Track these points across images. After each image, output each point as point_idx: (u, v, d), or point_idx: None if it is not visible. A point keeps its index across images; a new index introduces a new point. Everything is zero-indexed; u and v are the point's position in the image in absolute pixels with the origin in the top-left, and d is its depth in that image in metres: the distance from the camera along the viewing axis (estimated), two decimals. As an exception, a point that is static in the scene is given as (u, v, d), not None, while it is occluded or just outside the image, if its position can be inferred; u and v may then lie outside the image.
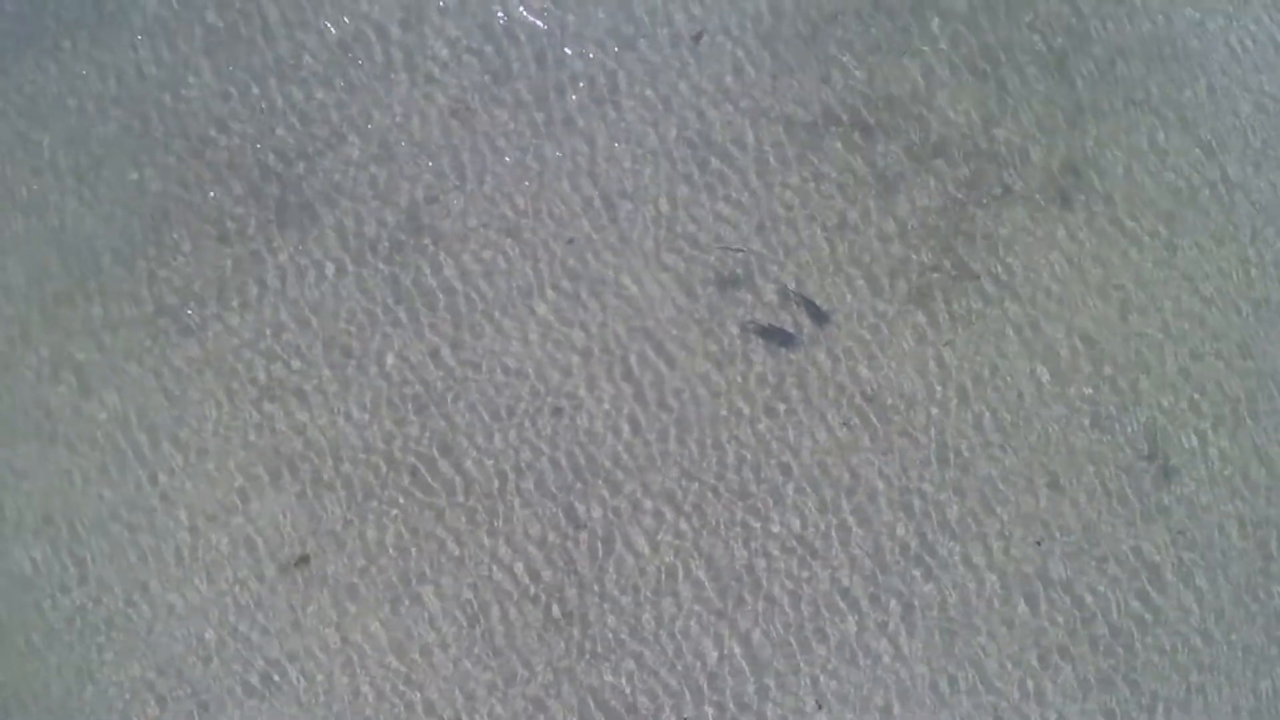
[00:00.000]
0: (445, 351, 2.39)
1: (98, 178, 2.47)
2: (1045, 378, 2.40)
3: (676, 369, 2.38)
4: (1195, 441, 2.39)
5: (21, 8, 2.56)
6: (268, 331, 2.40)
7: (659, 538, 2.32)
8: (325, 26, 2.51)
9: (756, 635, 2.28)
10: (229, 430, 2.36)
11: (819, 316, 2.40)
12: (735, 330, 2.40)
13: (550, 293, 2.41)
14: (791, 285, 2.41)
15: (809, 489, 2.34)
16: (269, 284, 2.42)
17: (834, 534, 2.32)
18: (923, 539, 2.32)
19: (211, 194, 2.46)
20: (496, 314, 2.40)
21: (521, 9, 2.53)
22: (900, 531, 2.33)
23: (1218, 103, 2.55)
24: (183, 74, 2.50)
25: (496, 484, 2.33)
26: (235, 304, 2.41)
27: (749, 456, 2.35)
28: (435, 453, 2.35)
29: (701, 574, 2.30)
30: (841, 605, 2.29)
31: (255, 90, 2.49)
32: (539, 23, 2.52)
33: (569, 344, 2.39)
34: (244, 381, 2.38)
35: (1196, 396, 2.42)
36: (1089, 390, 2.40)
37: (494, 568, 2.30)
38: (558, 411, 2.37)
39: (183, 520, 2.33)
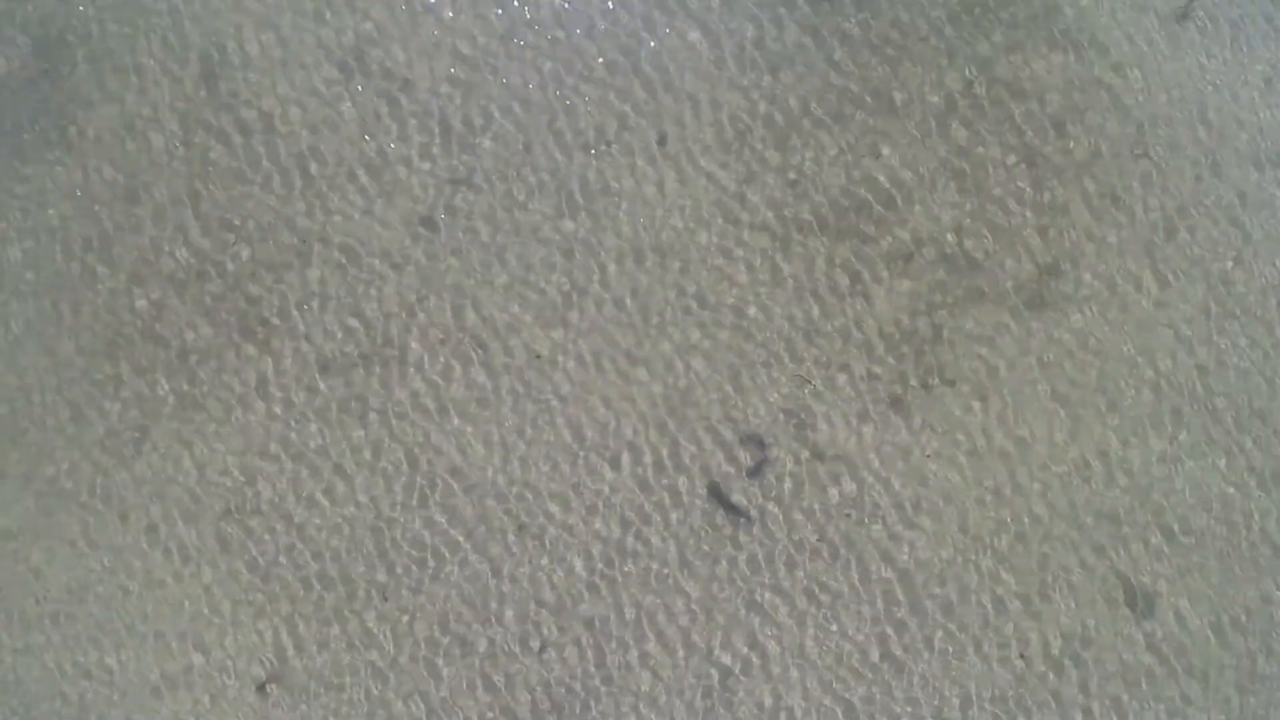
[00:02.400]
0: (408, 470, 2.36)
1: (49, 295, 2.43)
2: (1025, 483, 2.37)
3: (643, 491, 2.35)
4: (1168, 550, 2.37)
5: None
6: (227, 451, 2.36)
7: (627, 656, 2.30)
8: (285, 133, 2.47)
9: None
10: (189, 551, 2.33)
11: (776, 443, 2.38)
12: (695, 452, 2.37)
13: (514, 408, 2.38)
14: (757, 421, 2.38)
15: (780, 604, 2.31)
16: (228, 403, 2.38)
17: (819, 641, 2.30)
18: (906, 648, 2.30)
19: (169, 310, 2.42)
20: (462, 431, 2.37)
21: (495, 112, 2.48)
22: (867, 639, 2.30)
23: (1198, 202, 2.51)
24: (137, 187, 2.46)
25: (464, 606, 2.31)
26: (194, 423, 2.37)
27: (721, 571, 2.33)
28: (401, 571, 2.32)
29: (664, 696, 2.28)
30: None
31: (213, 202, 2.45)
32: (508, 125, 2.48)
33: (534, 461, 2.36)
34: (204, 502, 2.35)
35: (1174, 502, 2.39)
36: (1071, 497, 2.37)
37: (459, 691, 2.28)
38: (522, 529, 2.34)
39: (148, 641, 2.31)
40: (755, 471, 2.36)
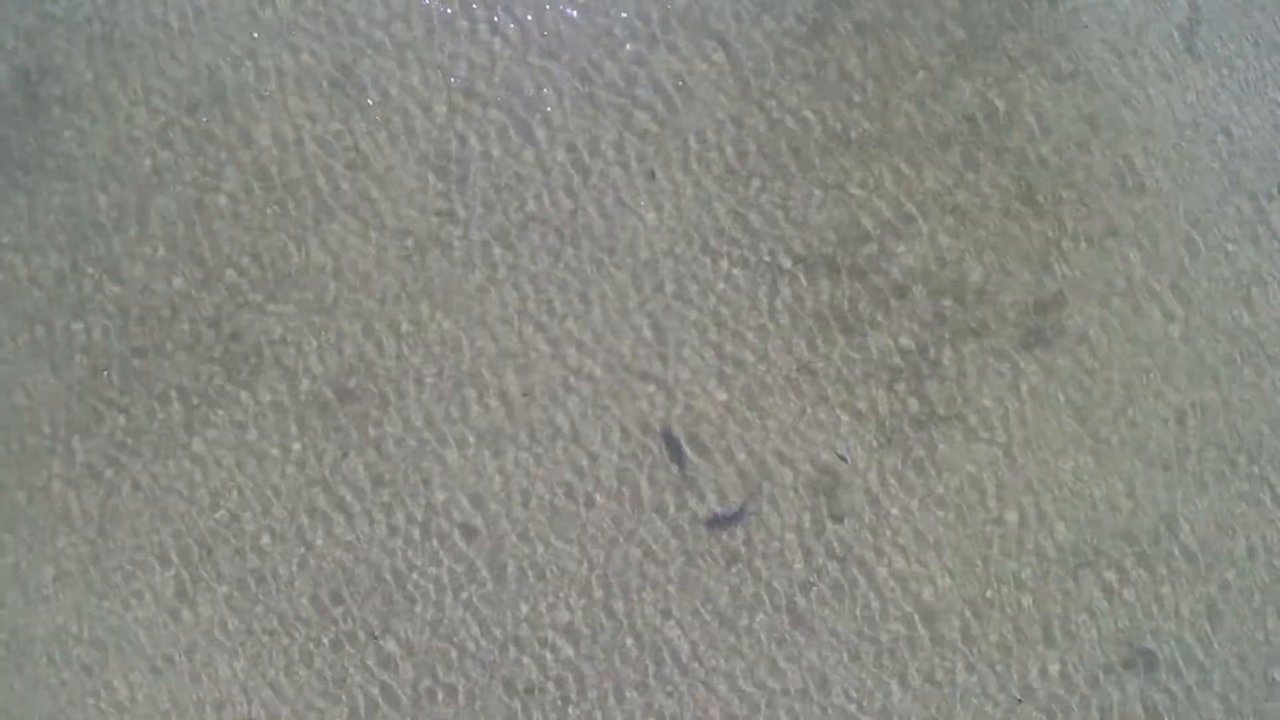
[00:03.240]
0: (398, 508, 2.31)
1: (26, 328, 2.39)
2: (1020, 522, 2.32)
3: (627, 529, 2.31)
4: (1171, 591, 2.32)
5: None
6: (209, 487, 2.32)
7: (609, 703, 2.25)
8: (271, 164, 2.43)
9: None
10: (167, 592, 2.29)
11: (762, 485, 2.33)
12: (680, 488, 2.32)
13: (506, 444, 2.33)
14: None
15: (771, 644, 2.27)
16: (209, 438, 2.34)
17: (812, 687, 2.25)
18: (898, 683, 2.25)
19: (152, 343, 2.37)
20: (453, 468, 2.32)
21: (473, 141, 2.44)
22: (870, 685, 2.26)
23: (1195, 235, 2.46)
24: (119, 218, 2.42)
25: (447, 651, 2.26)
26: (175, 458, 2.33)
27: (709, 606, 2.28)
28: (387, 620, 2.28)
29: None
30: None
31: (196, 234, 2.41)
32: (497, 156, 2.43)
33: (527, 498, 2.32)
34: (185, 540, 2.31)
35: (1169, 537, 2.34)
36: (1062, 539, 2.32)
37: (445, 736, 2.24)
38: (514, 568, 2.29)
39: (121, 695, 2.27)
40: (744, 511, 2.31)
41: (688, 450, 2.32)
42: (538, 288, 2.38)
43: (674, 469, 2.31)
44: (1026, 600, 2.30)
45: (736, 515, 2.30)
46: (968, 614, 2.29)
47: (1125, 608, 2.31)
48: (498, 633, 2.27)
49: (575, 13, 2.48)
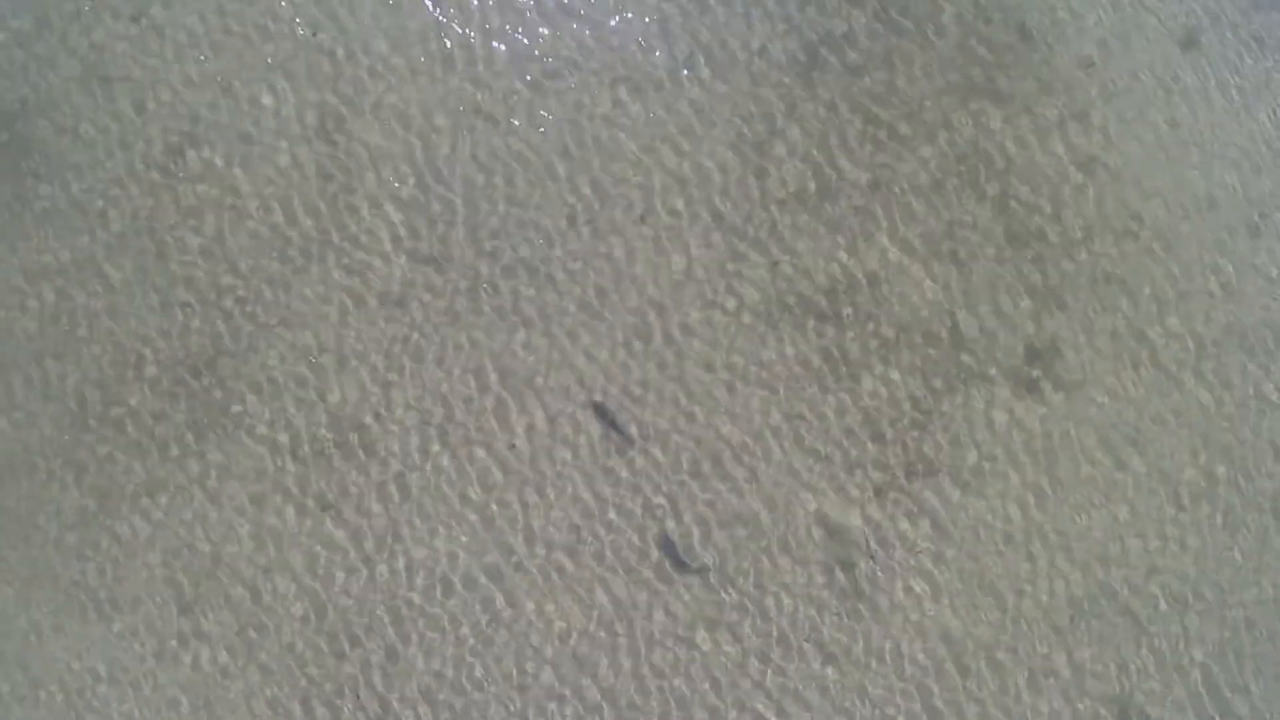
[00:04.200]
0: (374, 558, 2.27)
1: (12, 378, 2.34)
2: (1015, 572, 2.29)
3: (610, 578, 2.27)
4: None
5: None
6: (187, 537, 2.28)
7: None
8: (249, 211, 2.37)
9: None
10: (151, 638, 2.26)
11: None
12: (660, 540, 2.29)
13: (487, 498, 2.29)
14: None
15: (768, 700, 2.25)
16: (188, 488, 2.29)
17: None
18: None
19: (132, 392, 2.33)
20: (433, 519, 2.28)
21: (467, 190, 2.38)
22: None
23: (1191, 280, 2.41)
24: (97, 264, 2.36)
25: (427, 693, 2.23)
26: (158, 507, 2.29)
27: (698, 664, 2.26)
28: (372, 668, 2.24)
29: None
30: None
31: (178, 282, 2.36)
32: (480, 202, 2.38)
33: (507, 549, 2.28)
34: (164, 589, 2.27)
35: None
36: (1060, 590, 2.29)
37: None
38: (493, 619, 2.26)
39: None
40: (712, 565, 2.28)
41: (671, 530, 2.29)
42: (521, 334, 2.34)
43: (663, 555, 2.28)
44: (1024, 647, 2.27)
45: (705, 568, 2.27)
46: (965, 662, 2.26)
47: (1116, 655, 2.28)
48: (481, 680, 2.24)
49: (566, 56, 2.42)
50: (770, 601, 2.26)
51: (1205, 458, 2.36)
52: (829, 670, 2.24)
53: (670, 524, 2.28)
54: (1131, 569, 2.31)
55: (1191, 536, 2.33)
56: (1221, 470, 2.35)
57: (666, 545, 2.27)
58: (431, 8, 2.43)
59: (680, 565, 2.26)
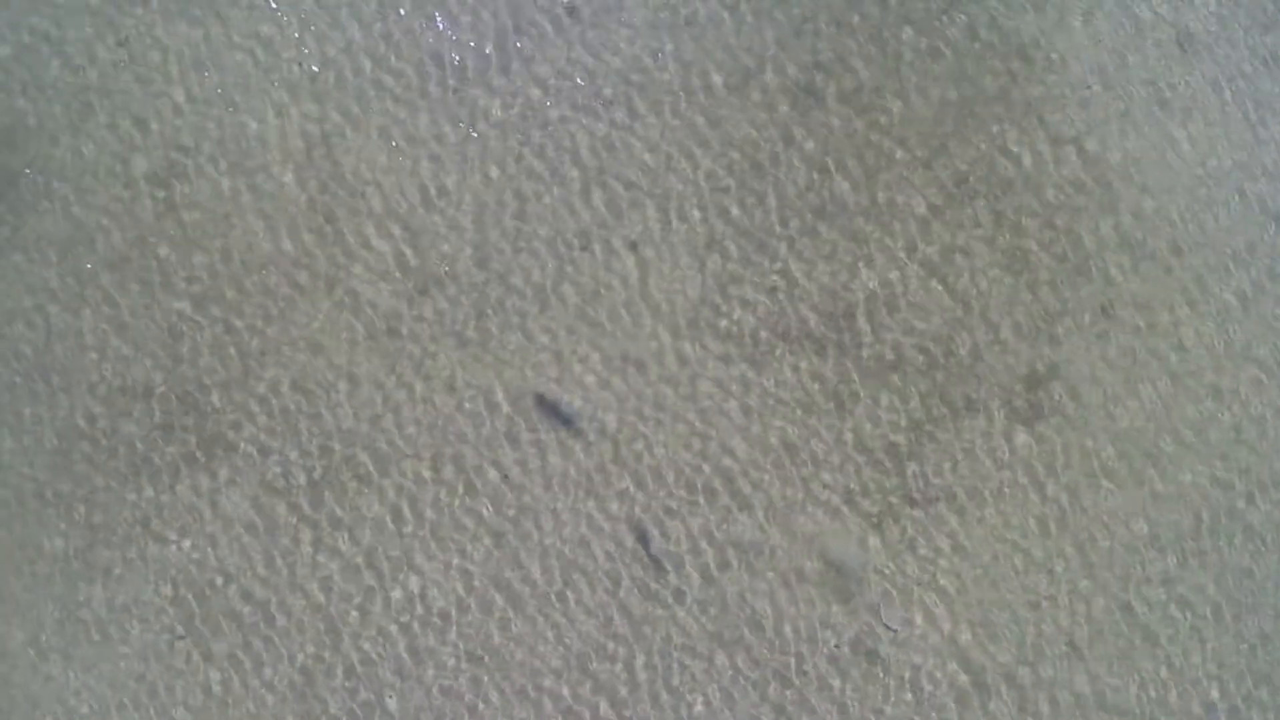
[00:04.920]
0: (368, 593, 2.26)
1: (7, 401, 2.34)
2: (1010, 607, 2.25)
3: (601, 612, 2.25)
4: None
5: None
6: (179, 572, 2.27)
7: (597, 795, 2.20)
8: (238, 238, 2.37)
9: None
10: (144, 674, 2.24)
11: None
12: (656, 571, 2.26)
13: (482, 532, 2.27)
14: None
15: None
16: (177, 525, 2.28)
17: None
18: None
19: (119, 424, 2.33)
20: (426, 555, 2.27)
21: (460, 216, 2.38)
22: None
23: (1197, 305, 2.38)
24: (88, 296, 2.37)
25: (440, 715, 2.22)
26: (144, 545, 2.28)
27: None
28: (360, 702, 2.22)
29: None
30: None
31: (164, 311, 2.36)
32: (473, 230, 2.37)
33: (501, 588, 2.26)
34: (152, 624, 2.26)
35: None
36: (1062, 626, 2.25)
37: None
38: (478, 660, 2.23)
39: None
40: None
41: (656, 535, 2.26)
42: (515, 365, 2.32)
43: (647, 560, 2.25)
44: (1025, 681, 2.23)
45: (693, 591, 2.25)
46: (985, 683, 2.23)
47: (1136, 675, 2.24)
48: (478, 712, 2.23)
49: (551, 84, 2.41)
50: (777, 627, 2.23)
51: (1224, 475, 2.31)
52: (847, 688, 2.21)
53: (668, 546, 2.25)
54: (1151, 588, 2.27)
55: (1212, 554, 2.28)
56: (1240, 487, 2.31)
57: (655, 564, 2.24)
58: (440, 23, 2.43)
59: (679, 591, 2.23)
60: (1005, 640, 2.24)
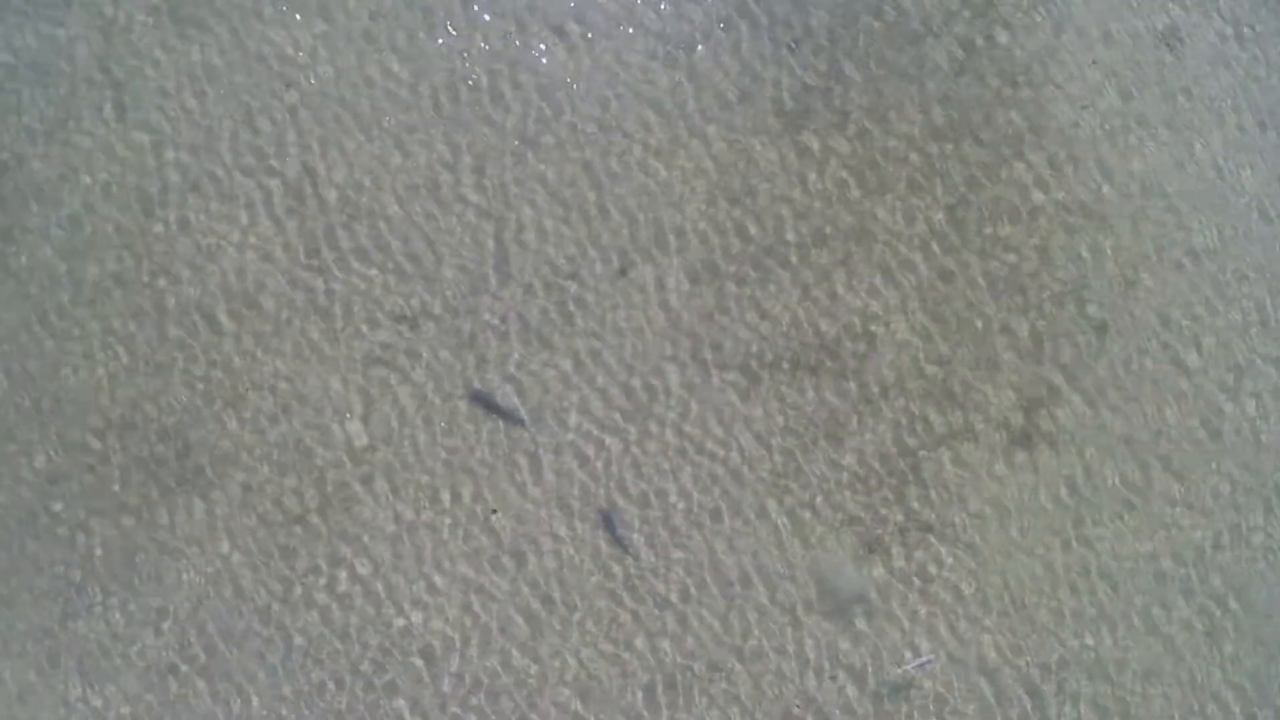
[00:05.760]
0: (360, 627, 2.22)
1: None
2: (1003, 633, 2.24)
3: (593, 644, 2.22)
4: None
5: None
6: (164, 606, 2.23)
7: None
8: (224, 269, 2.32)
9: None
10: (134, 712, 2.20)
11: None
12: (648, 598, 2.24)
13: (467, 564, 2.24)
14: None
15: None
16: (163, 559, 2.24)
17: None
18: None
19: (105, 456, 2.27)
20: (412, 588, 2.23)
21: (448, 246, 2.34)
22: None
23: (1189, 330, 2.37)
24: (71, 328, 2.31)
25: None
26: (130, 580, 2.24)
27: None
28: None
29: None
30: None
31: (150, 345, 2.31)
32: (461, 259, 2.33)
33: (490, 611, 2.22)
34: (137, 660, 2.22)
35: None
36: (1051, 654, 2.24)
37: None
38: (478, 685, 2.20)
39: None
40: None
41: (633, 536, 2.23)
42: (503, 396, 2.29)
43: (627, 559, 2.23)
44: (1013, 712, 2.22)
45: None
46: (1007, 693, 2.23)
47: (1159, 684, 2.24)
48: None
49: (544, 108, 2.37)
50: (780, 653, 2.22)
51: (1243, 484, 2.32)
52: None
53: (658, 583, 2.23)
54: (1171, 596, 2.27)
55: (1232, 566, 2.29)
56: (1259, 499, 2.31)
57: (646, 586, 2.22)
58: (439, 41, 2.39)
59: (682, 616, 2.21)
60: (1004, 661, 2.23)
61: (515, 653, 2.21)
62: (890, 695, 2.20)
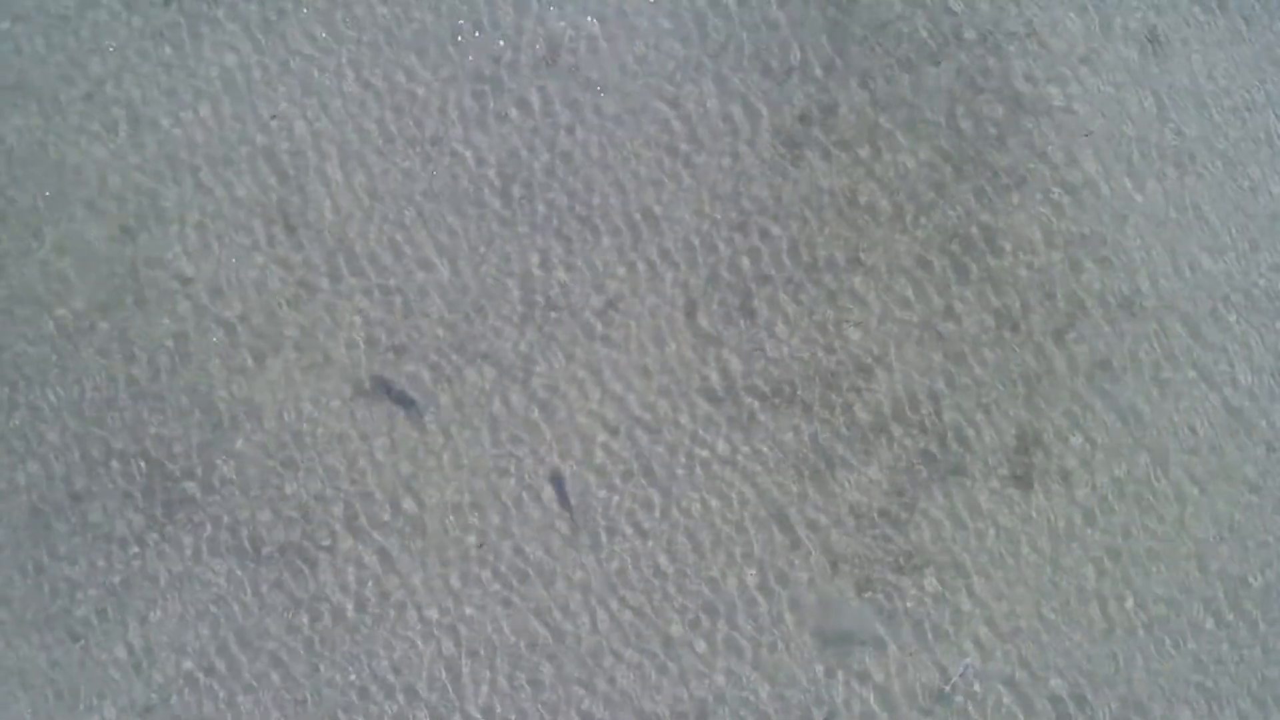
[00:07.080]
0: (340, 664, 2.21)
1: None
2: (998, 678, 2.21)
3: (606, 678, 2.20)
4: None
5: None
6: (152, 642, 2.22)
7: None
8: (206, 299, 2.30)
9: None
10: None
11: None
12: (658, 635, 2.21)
13: (454, 604, 2.22)
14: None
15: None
16: (150, 594, 2.23)
17: None
18: None
19: (87, 491, 2.26)
20: (399, 624, 2.21)
21: (434, 277, 2.31)
22: None
23: (1192, 364, 2.31)
24: (49, 358, 2.30)
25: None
26: (116, 614, 2.23)
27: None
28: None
29: None
30: None
31: (131, 376, 2.29)
32: (448, 290, 2.30)
33: (469, 651, 2.21)
34: (126, 696, 2.21)
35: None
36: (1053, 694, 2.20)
37: None
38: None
39: None
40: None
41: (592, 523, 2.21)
42: (490, 431, 2.26)
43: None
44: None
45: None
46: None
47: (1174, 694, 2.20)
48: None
49: (529, 136, 2.34)
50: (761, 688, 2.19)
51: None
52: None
53: (653, 601, 2.21)
54: (1137, 681, 2.23)
55: (1253, 576, 2.25)
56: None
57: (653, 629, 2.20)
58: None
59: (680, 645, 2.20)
60: (1004, 703, 2.20)
61: (520, 679, 2.19)
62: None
